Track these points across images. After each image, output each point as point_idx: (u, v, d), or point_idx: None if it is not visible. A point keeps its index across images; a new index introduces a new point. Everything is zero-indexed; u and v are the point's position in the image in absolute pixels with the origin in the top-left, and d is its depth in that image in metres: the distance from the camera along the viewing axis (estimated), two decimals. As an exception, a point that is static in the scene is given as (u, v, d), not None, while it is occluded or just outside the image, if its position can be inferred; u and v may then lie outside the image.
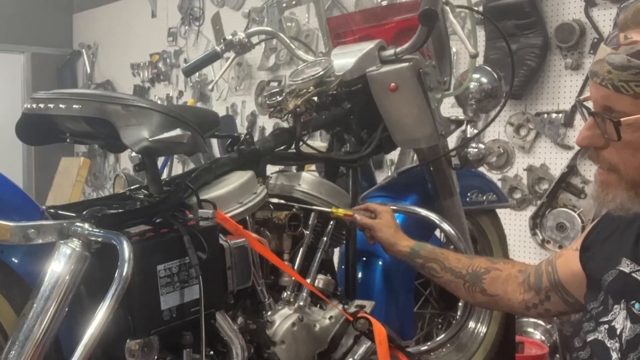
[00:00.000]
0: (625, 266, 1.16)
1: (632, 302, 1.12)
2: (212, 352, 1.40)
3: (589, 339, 1.18)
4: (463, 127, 1.96)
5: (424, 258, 1.62)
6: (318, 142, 2.14)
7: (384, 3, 3.74)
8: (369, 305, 1.65)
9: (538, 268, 1.44)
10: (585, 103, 1.17)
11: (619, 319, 1.13)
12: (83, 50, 6.40)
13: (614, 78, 1.06)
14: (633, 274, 1.14)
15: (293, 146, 1.70)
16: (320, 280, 1.65)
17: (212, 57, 2.10)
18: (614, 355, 1.12)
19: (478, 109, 1.93)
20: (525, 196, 3.29)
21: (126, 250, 1.19)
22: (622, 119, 1.07)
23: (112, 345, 1.24)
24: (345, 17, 2.39)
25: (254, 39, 2.11)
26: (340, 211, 1.67)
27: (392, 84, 1.73)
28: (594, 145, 1.13)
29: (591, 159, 1.18)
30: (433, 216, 1.82)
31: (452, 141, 2.23)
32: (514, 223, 3.31)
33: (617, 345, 1.12)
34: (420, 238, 1.99)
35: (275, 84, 4.50)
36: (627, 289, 1.14)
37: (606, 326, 1.15)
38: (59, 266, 1.21)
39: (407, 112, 1.77)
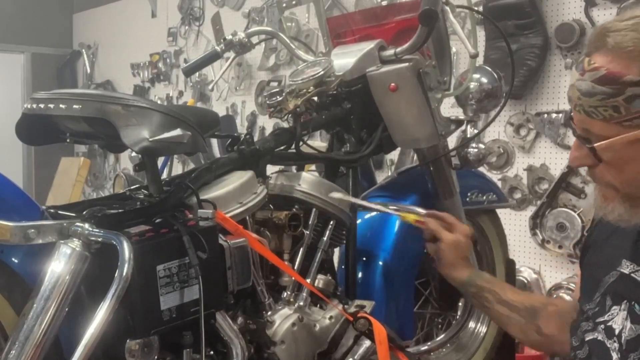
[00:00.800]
0: (625, 267, 1.16)
1: (633, 302, 1.12)
2: (212, 352, 1.40)
3: (587, 339, 1.19)
4: (463, 127, 1.96)
5: (478, 287, 1.54)
6: (318, 142, 2.14)
7: (384, 3, 3.74)
8: (369, 305, 1.65)
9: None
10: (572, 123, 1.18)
11: (618, 320, 1.14)
12: (83, 50, 6.40)
13: (584, 104, 1.08)
14: (632, 275, 1.15)
15: (293, 146, 1.70)
16: (320, 280, 1.65)
17: (212, 57, 2.10)
18: (614, 355, 1.12)
19: (478, 109, 1.93)
20: (525, 196, 3.29)
21: (126, 250, 1.19)
22: (595, 145, 1.09)
23: (112, 345, 1.24)
24: (345, 17, 2.39)
25: (254, 39, 2.11)
26: (411, 217, 1.57)
27: (392, 84, 1.73)
28: (585, 165, 1.15)
29: (590, 177, 1.19)
30: (433, 216, 1.81)
31: (452, 141, 2.23)
32: (514, 223, 3.31)
33: (617, 345, 1.12)
34: (420, 238, 1.99)
35: (275, 84, 4.50)
36: (628, 290, 1.14)
37: (603, 326, 1.15)
38: (59, 266, 1.22)
39: (407, 112, 1.77)
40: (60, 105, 1.32)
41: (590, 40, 1.10)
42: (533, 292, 1.62)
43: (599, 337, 1.16)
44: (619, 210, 1.12)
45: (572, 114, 1.16)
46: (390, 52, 1.77)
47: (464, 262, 1.58)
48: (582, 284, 1.30)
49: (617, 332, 1.13)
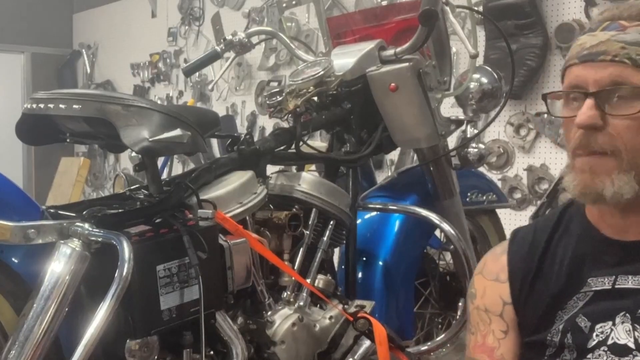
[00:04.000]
0: (601, 284, 1.13)
1: (638, 311, 1.08)
2: (212, 352, 1.40)
3: None
4: (463, 127, 1.96)
5: None
6: (318, 142, 2.14)
7: (384, 3, 3.74)
8: (369, 305, 1.65)
9: None
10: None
11: (619, 334, 1.09)
12: (83, 50, 6.39)
13: (631, 52, 1.06)
14: (618, 286, 1.11)
15: (293, 146, 1.70)
16: (320, 280, 1.65)
17: (212, 57, 2.10)
18: None
19: (478, 109, 1.93)
20: (525, 196, 3.29)
21: (126, 250, 1.19)
22: None
23: (112, 345, 1.24)
24: (345, 17, 2.39)
25: (254, 39, 2.11)
26: None
27: (392, 84, 1.73)
28: (594, 126, 1.09)
29: (582, 147, 1.11)
30: (433, 216, 1.82)
31: (452, 141, 2.23)
32: (514, 223, 3.31)
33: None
34: (420, 238, 1.99)
35: (275, 84, 4.50)
36: (619, 303, 1.10)
37: (603, 348, 1.10)
38: (59, 266, 1.22)
39: (407, 112, 1.77)
40: (60, 105, 1.32)
41: (620, 11, 1.11)
42: None
43: None
44: (619, 182, 1.07)
45: (576, 71, 1.13)
46: (390, 52, 1.77)
47: None
48: (525, 322, 1.23)
49: (632, 344, 1.08)
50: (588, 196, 1.12)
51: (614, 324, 1.10)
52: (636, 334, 1.09)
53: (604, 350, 1.10)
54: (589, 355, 1.11)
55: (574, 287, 1.16)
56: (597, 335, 1.11)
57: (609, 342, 1.10)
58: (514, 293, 1.24)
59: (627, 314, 1.10)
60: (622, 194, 1.08)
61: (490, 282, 1.28)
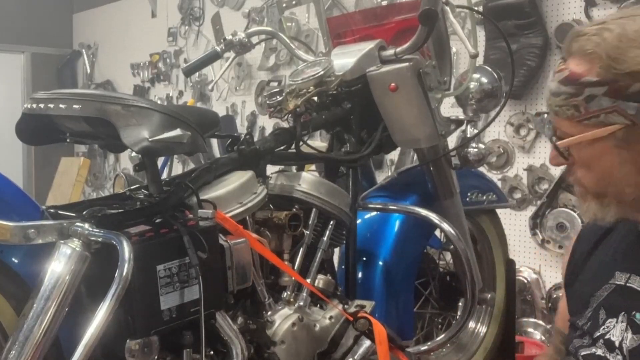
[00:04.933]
0: (620, 279, 1.18)
1: (633, 312, 1.13)
2: (212, 352, 1.40)
3: (582, 353, 1.19)
4: (463, 127, 1.96)
5: None
6: (318, 142, 2.14)
7: (384, 3, 3.74)
8: (369, 305, 1.65)
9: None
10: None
11: (615, 332, 1.14)
12: (83, 50, 6.40)
13: (552, 104, 1.13)
14: (629, 284, 1.16)
15: (293, 146, 1.70)
16: (320, 280, 1.65)
17: (212, 57, 2.10)
18: None
19: (478, 109, 1.93)
20: (525, 196, 3.29)
21: (126, 250, 1.19)
22: (558, 142, 1.14)
23: (112, 345, 1.24)
24: (345, 17, 2.39)
25: (254, 39, 2.11)
26: None
27: (392, 84, 1.73)
28: (561, 164, 1.19)
29: (568, 176, 1.23)
30: (433, 216, 1.82)
31: (452, 141, 2.23)
32: (514, 223, 3.31)
33: (620, 357, 1.12)
34: (420, 238, 1.99)
35: (275, 84, 4.50)
36: (625, 301, 1.15)
37: (602, 341, 1.15)
38: (59, 266, 1.21)
39: (407, 112, 1.77)
40: (60, 105, 1.32)
41: (564, 44, 1.17)
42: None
43: (598, 352, 1.16)
44: (593, 209, 1.16)
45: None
46: (390, 52, 1.77)
47: None
48: (569, 301, 1.31)
49: (617, 343, 1.13)
50: (582, 215, 1.22)
51: (616, 321, 1.15)
52: (625, 334, 1.13)
53: (602, 343, 1.16)
54: (596, 344, 1.17)
55: (605, 277, 1.21)
56: (604, 328, 1.17)
57: (607, 336, 1.15)
58: (568, 269, 1.32)
59: (625, 314, 1.14)
60: (596, 218, 1.16)
61: (566, 256, 1.38)
